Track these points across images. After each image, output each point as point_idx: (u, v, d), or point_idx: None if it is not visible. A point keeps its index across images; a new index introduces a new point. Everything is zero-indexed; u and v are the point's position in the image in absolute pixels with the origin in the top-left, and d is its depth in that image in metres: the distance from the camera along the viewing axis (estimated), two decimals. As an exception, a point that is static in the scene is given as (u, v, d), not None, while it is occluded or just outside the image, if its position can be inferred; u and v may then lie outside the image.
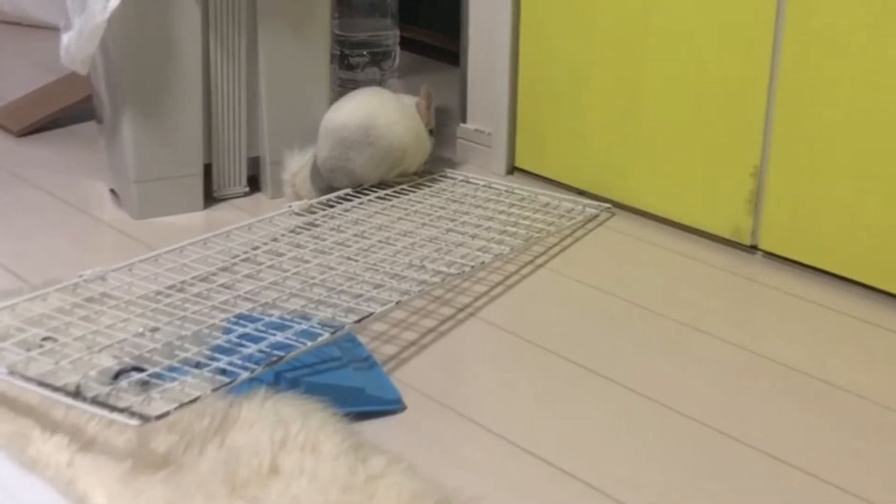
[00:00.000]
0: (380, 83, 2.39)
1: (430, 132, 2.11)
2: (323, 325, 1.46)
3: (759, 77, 1.80)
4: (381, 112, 2.00)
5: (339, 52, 2.42)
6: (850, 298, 1.74)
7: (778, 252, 1.85)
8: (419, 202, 2.02)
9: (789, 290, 1.78)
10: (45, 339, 1.40)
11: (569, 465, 1.31)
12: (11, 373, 1.28)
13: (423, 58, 2.87)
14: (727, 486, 1.29)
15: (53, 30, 2.11)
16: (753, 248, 1.89)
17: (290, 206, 1.94)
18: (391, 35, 2.49)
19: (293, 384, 1.36)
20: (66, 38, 1.91)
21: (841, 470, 1.32)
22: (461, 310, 1.70)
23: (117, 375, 1.31)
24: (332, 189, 2.01)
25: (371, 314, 1.51)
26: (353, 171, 1.99)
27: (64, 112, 2.41)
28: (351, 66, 2.45)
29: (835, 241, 1.77)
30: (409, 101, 2.09)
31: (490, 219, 1.97)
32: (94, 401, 1.22)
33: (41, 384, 1.26)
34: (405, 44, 2.60)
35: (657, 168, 2.00)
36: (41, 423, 1.27)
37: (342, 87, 2.40)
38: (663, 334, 1.65)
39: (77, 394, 1.23)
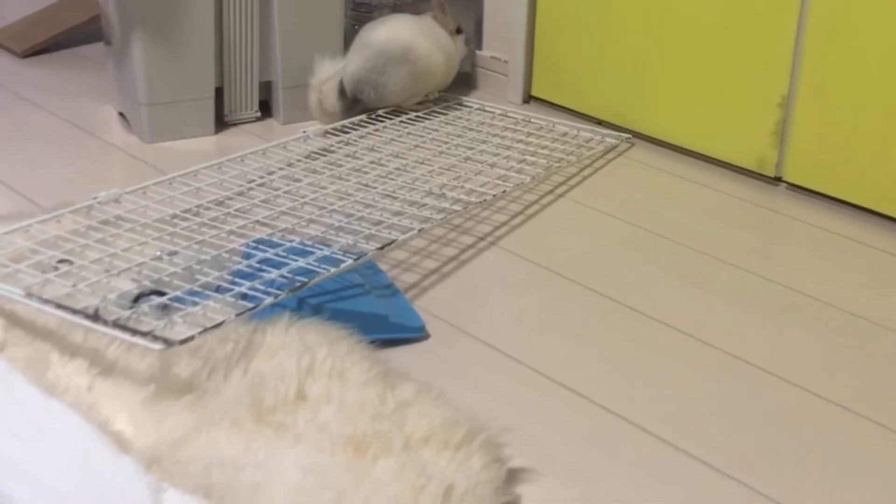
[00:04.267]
0: (393, 8, 2.33)
1: (466, 42, 2.12)
2: (345, 251, 1.42)
3: (790, 3, 1.75)
4: (421, 37, 1.99)
5: (351, -24, 2.36)
6: (877, 231, 1.72)
7: (803, 184, 1.82)
8: (435, 130, 1.98)
9: (815, 223, 1.75)
10: (60, 261, 1.37)
11: (596, 395, 1.29)
12: (28, 294, 1.25)
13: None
14: (754, 416, 1.27)
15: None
16: (777, 180, 1.86)
17: (304, 132, 1.90)
18: (405, -42, 2.42)
19: (317, 311, 1.33)
20: (74, -45, 1.85)
21: (867, 400, 1.30)
22: (482, 238, 1.67)
23: (137, 299, 1.29)
24: (355, 103, 1.96)
25: (393, 241, 1.48)
26: (383, 86, 1.95)
27: (70, 33, 2.35)
28: (364, -11, 2.39)
29: (863, 174, 1.74)
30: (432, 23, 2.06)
31: (508, 148, 1.93)
32: (116, 324, 1.19)
33: (59, 307, 1.22)
34: (418, -32, 2.54)
35: (680, 98, 1.95)
36: (60, 346, 1.24)
37: (355, 11, 2.34)
38: (687, 265, 1.62)
39: (97, 317, 1.20)
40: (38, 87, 2.18)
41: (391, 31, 1.98)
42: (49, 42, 2.34)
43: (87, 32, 2.35)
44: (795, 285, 1.56)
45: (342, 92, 1.97)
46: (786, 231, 1.76)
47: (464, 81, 2.24)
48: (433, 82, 2.04)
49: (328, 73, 1.98)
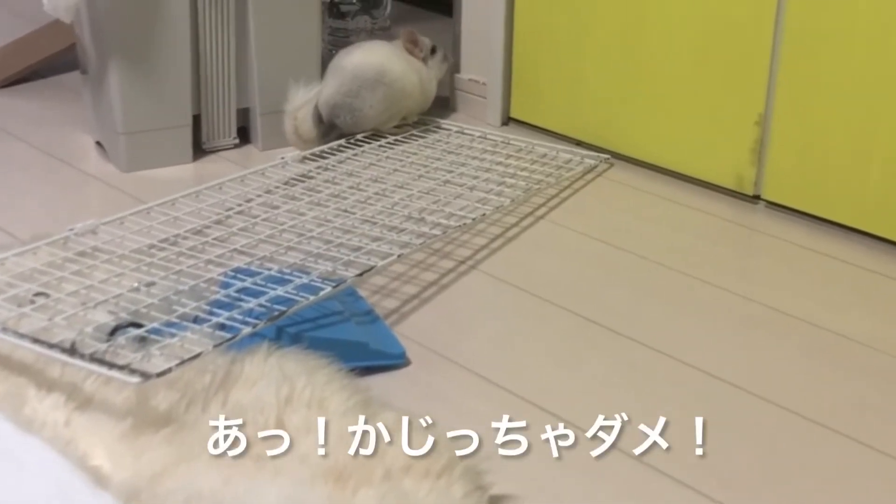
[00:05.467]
0: (371, 32, 2.34)
1: (445, 58, 2.12)
2: (323, 278, 1.42)
3: (765, 22, 1.76)
4: (395, 59, 2.01)
5: (328, 0, 2.36)
6: (856, 248, 1.72)
7: (781, 202, 1.83)
8: (414, 153, 1.98)
9: (793, 240, 1.75)
10: (36, 294, 1.36)
11: (576, 418, 1.28)
12: (4, 329, 1.24)
13: (414, 7, 2.81)
14: (736, 436, 1.27)
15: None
16: (756, 198, 1.86)
17: (282, 158, 1.89)
18: (382, -18, 2.44)
19: (295, 339, 1.33)
20: (48, -15, 1.85)
21: (848, 418, 1.30)
22: (462, 262, 1.66)
23: (114, 332, 1.28)
24: (332, 128, 1.96)
25: (372, 267, 1.48)
26: (359, 110, 1.96)
27: (46, 62, 2.34)
28: (341, 14, 2.39)
29: (840, 191, 1.74)
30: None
31: (487, 170, 1.93)
32: (92, 358, 1.18)
33: (35, 341, 1.21)
34: (396, -8, 2.55)
35: (658, 117, 1.96)
36: (36, 381, 1.23)
37: (332, 36, 2.35)
38: (667, 285, 1.62)
39: (73, 351, 1.19)
40: (15, 116, 2.17)
41: (364, 56, 1.98)
42: (26, 71, 2.33)
43: (65, 61, 2.34)
44: (775, 303, 1.56)
45: (318, 118, 1.96)
46: (765, 249, 1.76)
47: (442, 104, 2.24)
48: (409, 104, 2.04)
49: (302, 100, 1.98)
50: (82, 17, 1.94)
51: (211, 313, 1.31)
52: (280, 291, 1.36)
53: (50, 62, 2.35)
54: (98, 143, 2.04)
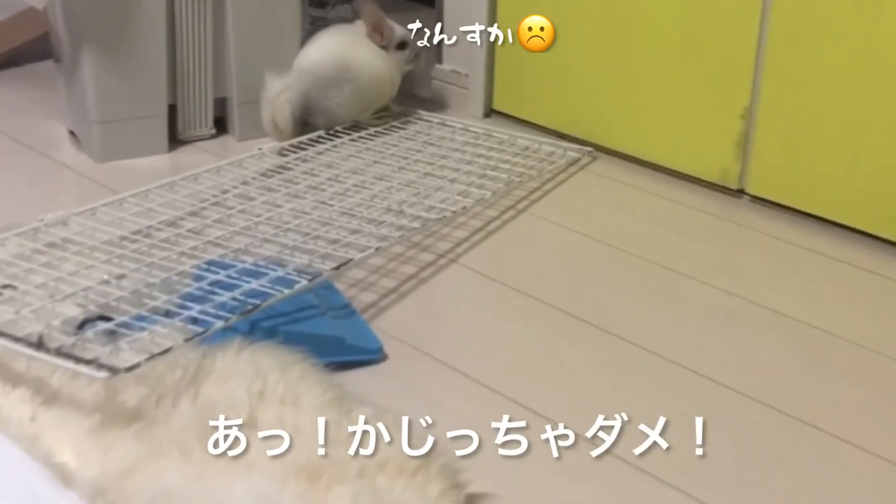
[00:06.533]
0: (352, 21, 2.30)
1: (417, 57, 2.04)
2: (299, 271, 1.39)
3: (751, 15, 1.74)
4: (353, 48, 1.95)
5: (308, -11, 2.33)
6: (841, 243, 1.70)
7: (766, 196, 1.80)
8: (394, 145, 1.95)
9: (777, 235, 1.73)
10: (4, 286, 1.32)
11: (555, 414, 1.26)
12: (-31, 322, 1.21)
13: (395, -3, 2.78)
14: (721, 434, 1.25)
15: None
16: (740, 192, 1.84)
17: (259, 149, 1.86)
18: (362, -29, 2.40)
19: (270, 334, 1.30)
20: (21, -29, 1.81)
21: (830, 415, 1.28)
22: (441, 256, 1.64)
23: (82, 325, 1.24)
24: (307, 125, 1.92)
25: (350, 261, 1.45)
26: (330, 110, 1.92)
27: (19, 50, 2.31)
28: (321, 3, 2.36)
29: (825, 186, 1.72)
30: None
31: (469, 162, 1.90)
32: (59, 352, 1.14)
33: (1, 334, 1.18)
34: (377, -18, 2.51)
35: (642, 110, 1.93)
36: (2, 375, 1.19)
37: (312, 26, 2.31)
38: (649, 280, 1.60)
39: (40, 344, 1.16)
40: (-12, 105, 2.14)
41: (320, 53, 1.93)
42: (-1, 59, 2.29)
43: (38, 49, 2.30)
44: (759, 299, 1.54)
45: (293, 114, 1.92)
46: (749, 244, 1.74)
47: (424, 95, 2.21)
48: (382, 90, 2.00)
49: (279, 88, 1.93)
50: (55, 4, 1.90)
51: (183, 307, 1.28)
52: (254, 285, 1.33)
53: (23, 50, 2.31)
54: (72, 132, 2.00)
